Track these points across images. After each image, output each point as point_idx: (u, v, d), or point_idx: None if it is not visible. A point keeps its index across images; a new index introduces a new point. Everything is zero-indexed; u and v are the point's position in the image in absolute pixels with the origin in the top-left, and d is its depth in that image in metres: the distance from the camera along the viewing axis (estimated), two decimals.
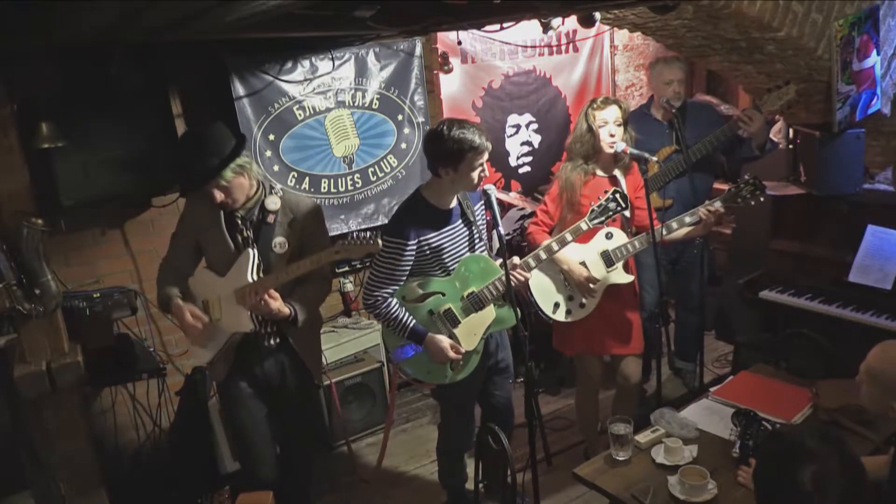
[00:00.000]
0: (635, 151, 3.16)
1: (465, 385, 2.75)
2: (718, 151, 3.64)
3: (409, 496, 3.41)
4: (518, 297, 2.80)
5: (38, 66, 2.78)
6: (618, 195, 2.72)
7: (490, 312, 2.69)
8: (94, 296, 3.14)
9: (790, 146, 3.83)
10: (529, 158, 4.85)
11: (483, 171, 2.58)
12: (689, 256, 3.81)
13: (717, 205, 2.96)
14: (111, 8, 1.74)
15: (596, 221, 2.74)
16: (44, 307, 2.31)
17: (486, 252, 2.74)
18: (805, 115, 3.54)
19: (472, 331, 2.67)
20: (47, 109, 2.73)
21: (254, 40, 3.24)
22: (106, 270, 3.41)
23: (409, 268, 2.63)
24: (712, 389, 2.83)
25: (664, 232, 2.99)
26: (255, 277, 2.49)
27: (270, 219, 2.56)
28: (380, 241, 2.37)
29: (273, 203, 2.56)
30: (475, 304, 2.65)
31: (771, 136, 4.49)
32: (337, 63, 3.68)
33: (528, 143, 4.86)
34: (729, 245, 4.74)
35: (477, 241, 2.73)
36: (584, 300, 3.00)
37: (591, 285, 2.96)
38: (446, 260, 2.65)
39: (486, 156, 2.55)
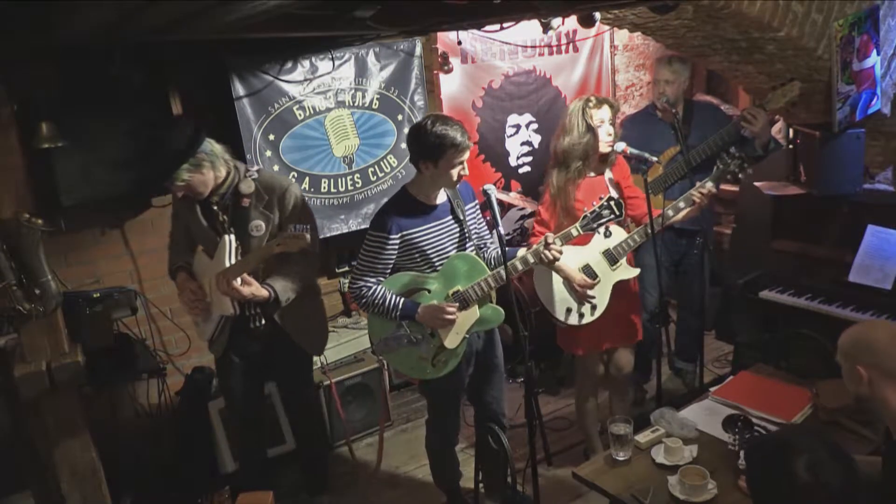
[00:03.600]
0: (636, 151, 3.17)
1: (448, 382, 2.75)
2: (723, 152, 3.63)
3: (408, 496, 3.41)
4: (518, 296, 2.81)
5: (38, 66, 2.78)
6: (612, 202, 2.65)
7: (474, 312, 2.66)
8: (94, 296, 3.14)
9: (790, 146, 3.82)
10: (529, 158, 4.85)
11: (463, 169, 2.59)
12: (691, 258, 3.81)
13: (709, 185, 2.96)
14: (111, 7, 1.74)
15: (587, 228, 2.68)
16: (44, 307, 2.31)
17: (474, 251, 2.74)
18: (805, 115, 3.54)
19: (455, 329, 2.65)
20: (47, 109, 2.74)
21: (254, 40, 3.24)
22: (106, 270, 3.41)
23: (391, 261, 2.65)
24: (712, 389, 2.83)
25: (661, 221, 2.99)
26: (234, 263, 2.59)
27: (245, 202, 2.62)
28: (307, 235, 2.43)
29: (247, 187, 2.62)
30: (460, 303, 2.63)
31: (773, 135, 4.49)
32: (337, 63, 3.68)
33: (528, 143, 4.85)
34: (729, 245, 4.74)
35: (467, 240, 2.73)
36: (594, 301, 3.00)
37: (589, 291, 2.96)
38: (432, 256, 2.65)
39: (466, 154, 2.57)
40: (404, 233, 2.61)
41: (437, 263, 2.66)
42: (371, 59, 3.80)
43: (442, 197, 2.70)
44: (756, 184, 3.84)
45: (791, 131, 3.79)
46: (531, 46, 4.71)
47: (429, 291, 2.64)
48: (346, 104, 3.79)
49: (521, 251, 2.68)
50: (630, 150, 3.16)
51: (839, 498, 1.58)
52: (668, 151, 3.58)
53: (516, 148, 4.79)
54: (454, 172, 2.57)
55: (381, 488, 3.48)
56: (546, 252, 2.59)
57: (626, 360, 3.23)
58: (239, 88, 3.45)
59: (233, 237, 2.60)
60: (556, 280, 3.00)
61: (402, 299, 2.62)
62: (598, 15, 3.26)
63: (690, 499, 2.18)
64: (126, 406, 3.37)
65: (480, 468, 2.86)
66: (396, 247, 2.62)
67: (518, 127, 4.80)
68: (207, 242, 2.69)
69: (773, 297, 3.43)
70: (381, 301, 2.60)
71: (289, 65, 3.57)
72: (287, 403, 3.05)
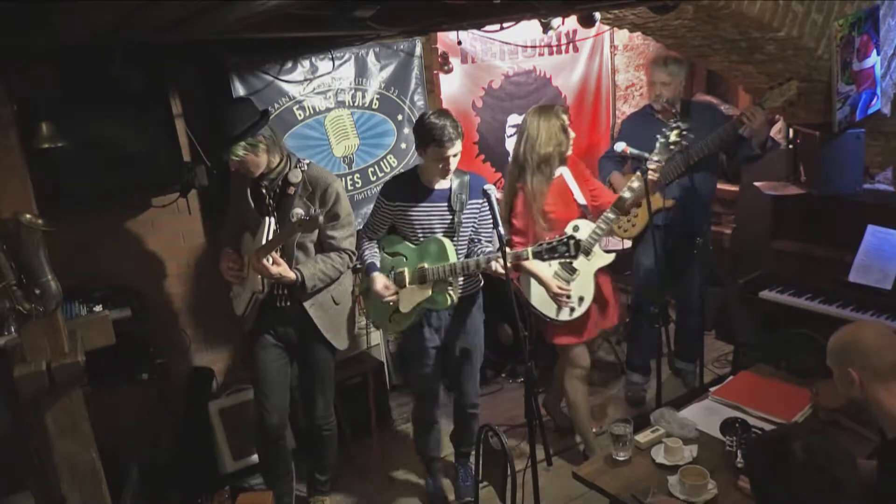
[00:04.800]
0: (635, 151, 3.20)
1: (410, 341, 3.11)
2: (720, 151, 3.64)
3: (408, 496, 3.41)
4: (518, 296, 2.82)
5: (38, 66, 2.78)
6: (572, 242, 2.65)
7: (427, 290, 2.94)
8: (94, 296, 3.14)
9: (790, 146, 3.82)
10: None
11: (447, 165, 2.82)
12: (687, 258, 3.80)
13: (655, 159, 3.11)
14: (111, 8, 1.74)
15: (537, 257, 2.70)
16: (44, 307, 2.30)
17: (462, 240, 2.99)
18: (805, 115, 3.54)
19: (410, 297, 2.97)
20: (47, 109, 2.73)
21: (254, 40, 3.24)
22: (106, 270, 3.40)
23: (385, 222, 3.04)
24: (712, 389, 2.83)
25: (618, 203, 3.13)
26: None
27: (291, 190, 2.81)
28: (320, 219, 2.63)
29: (294, 177, 2.81)
30: (420, 277, 2.92)
31: (771, 135, 4.49)
32: (337, 63, 3.68)
33: None
34: (729, 245, 4.74)
35: (455, 229, 2.96)
36: (581, 295, 3.12)
37: (572, 286, 3.11)
38: (418, 231, 2.98)
39: (448, 152, 2.78)
40: (399, 203, 2.96)
41: (420, 238, 2.98)
42: (371, 59, 3.80)
43: (444, 184, 2.94)
44: (756, 184, 3.84)
45: (791, 131, 3.79)
46: (531, 46, 4.71)
47: (406, 258, 3.00)
48: (346, 104, 3.79)
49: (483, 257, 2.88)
50: (630, 150, 3.20)
51: (836, 483, 1.58)
52: None
53: None
54: (438, 166, 2.83)
55: (382, 488, 3.48)
56: (495, 264, 2.77)
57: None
58: (239, 88, 3.44)
59: (273, 220, 2.79)
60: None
61: (372, 260, 3.01)
62: (598, 15, 3.26)
63: (690, 499, 2.18)
64: (126, 406, 3.37)
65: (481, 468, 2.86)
66: (391, 212, 2.99)
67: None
68: (252, 223, 2.86)
69: (773, 297, 3.43)
70: (362, 254, 3.04)
71: (289, 65, 3.57)
72: (303, 395, 3.17)
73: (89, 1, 1.68)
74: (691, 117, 3.59)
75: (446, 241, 2.92)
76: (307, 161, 2.88)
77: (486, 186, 2.67)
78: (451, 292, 2.92)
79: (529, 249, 2.73)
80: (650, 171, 3.08)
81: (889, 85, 3.63)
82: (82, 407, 2.43)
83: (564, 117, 3.15)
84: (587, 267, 3.16)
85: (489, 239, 3.04)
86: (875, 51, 3.40)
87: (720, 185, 4.89)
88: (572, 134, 3.18)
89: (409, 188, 2.96)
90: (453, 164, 2.84)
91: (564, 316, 3.13)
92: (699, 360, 3.70)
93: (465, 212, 2.95)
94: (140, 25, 2.05)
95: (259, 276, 2.80)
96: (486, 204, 2.81)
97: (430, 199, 2.95)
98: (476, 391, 3.24)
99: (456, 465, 3.39)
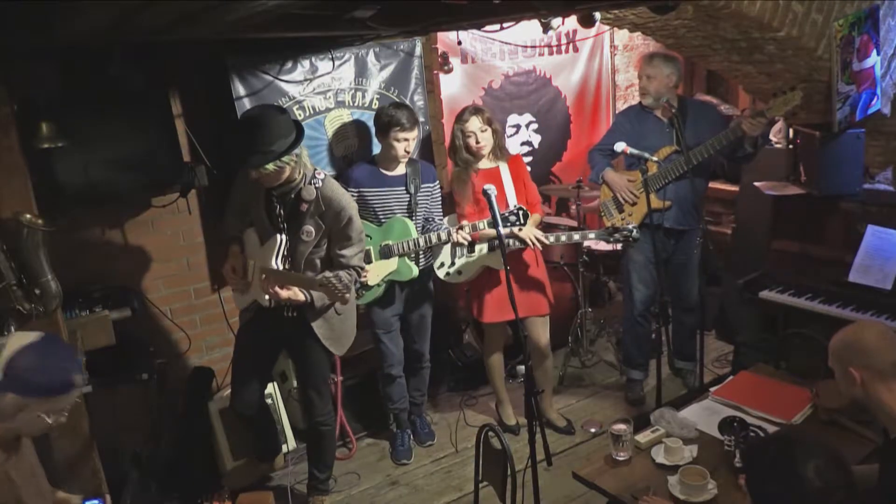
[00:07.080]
0: (635, 151, 3.20)
1: (374, 314, 3.46)
2: (720, 154, 3.62)
3: (409, 496, 3.42)
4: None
5: (38, 66, 2.78)
6: (521, 212, 3.04)
7: (393, 263, 3.32)
8: (94, 296, 3.14)
9: (790, 146, 3.82)
10: (529, 158, 4.85)
11: (407, 146, 3.24)
12: (679, 257, 3.79)
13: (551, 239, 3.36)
14: (111, 8, 1.74)
15: (491, 226, 3.06)
16: (44, 307, 2.31)
17: (420, 220, 3.38)
18: (805, 115, 3.54)
19: (377, 271, 3.30)
20: (47, 109, 2.73)
21: (254, 40, 3.24)
22: (106, 270, 3.40)
23: None
24: (712, 389, 2.83)
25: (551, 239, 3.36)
26: (279, 262, 2.81)
27: (303, 207, 2.78)
28: (347, 296, 2.70)
29: (308, 194, 2.77)
30: (385, 253, 3.29)
31: (771, 136, 4.48)
32: (337, 63, 3.68)
33: (528, 143, 4.86)
34: (729, 245, 4.74)
35: (413, 209, 3.35)
36: (460, 270, 3.50)
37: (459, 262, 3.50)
38: (379, 213, 3.36)
39: (409, 134, 3.22)
40: (361, 189, 3.32)
41: (382, 219, 3.35)
42: (371, 59, 3.79)
43: (400, 170, 3.36)
44: (756, 184, 3.84)
45: (791, 131, 3.79)
46: (531, 46, 4.71)
47: (370, 238, 3.26)
48: (346, 104, 3.78)
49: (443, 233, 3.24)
50: (630, 150, 3.20)
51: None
52: (662, 150, 3.53)
53: (516, 148, 4.79)
54: (399, 147, 3.24)
55: (382, 488, 3.48)
56: (455, 235, 3.18)
57: (537, 331, 3.60)
58: (239, 88, 3.44)
59: (284, 237, 2.80)
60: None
61: None
62: (598, 15, 3.27)
63: (690, 499, 2.18)
64: (126, 406, 3.37)
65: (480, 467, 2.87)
66: (353, 197, 3.10)
67: (518, 127, 4.80)
68: (260, 227, 2.88)
69: (773, 297, 3.43)
70: None
71: (289, 65, 3.56)
72: (301, 393, 3.24)
73: (89, 1, 1.68)
74: (688, 116, 3.57)
75: (408, 221, 3.34)
76: (322, 176, 2.82)
77: (486, 186, 2.72)
78: (412, 263, 3.34)
79: (486, 221, 3.15)
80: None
81: (889, 85, 3.63)
82: (82, 407, 2.44)
83: (464, 127, 3.34)
84: (475, 260, 3.47)
85: (440, 217, 3.49)
86: (875, 51, 3.40)
87: (721, 186, 4.90)
88: (477, 139, 3.33)
89: (367, 175, 3.35)
90: (412, 146, 3.27)
91: (441, 274, 3.53)
92: (699, 360, 3.70)
93: (419, 194, 3.37)
94: (140, 25, 2.05)
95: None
96: (436, 187, 3.48)
97: (387, 183, 3.34)
98: (427, 348, 3.67)
99: (413, 418, 3.77)
